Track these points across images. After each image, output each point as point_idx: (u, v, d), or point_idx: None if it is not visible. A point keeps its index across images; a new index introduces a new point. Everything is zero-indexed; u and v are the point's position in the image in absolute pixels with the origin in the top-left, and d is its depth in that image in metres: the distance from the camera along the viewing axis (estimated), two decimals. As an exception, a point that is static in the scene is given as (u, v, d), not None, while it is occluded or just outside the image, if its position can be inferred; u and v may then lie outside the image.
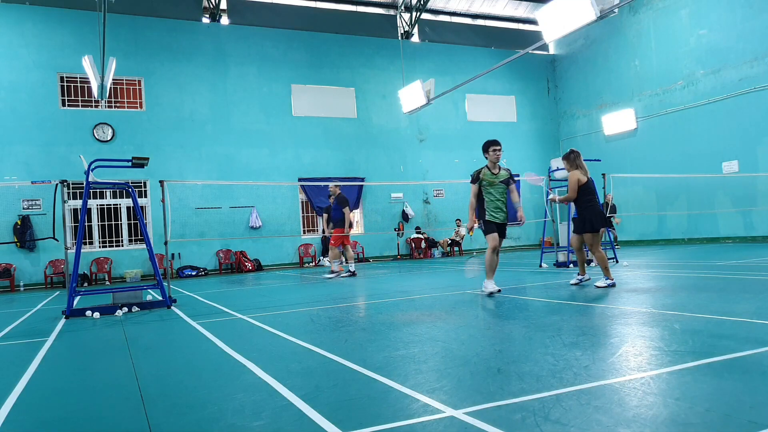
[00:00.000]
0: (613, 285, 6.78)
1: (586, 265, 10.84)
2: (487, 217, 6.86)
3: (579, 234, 7.15)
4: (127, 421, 2.71)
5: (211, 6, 17.73)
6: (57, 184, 7.98)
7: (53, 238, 8.42)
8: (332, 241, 11.91)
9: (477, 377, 3.05)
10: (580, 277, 7.40)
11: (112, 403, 3.06)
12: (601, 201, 12.29)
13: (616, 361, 3.20)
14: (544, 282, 8.09)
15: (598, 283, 6.90)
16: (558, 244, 12.21)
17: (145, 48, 16.78)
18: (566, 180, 11.10)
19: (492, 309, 5.70)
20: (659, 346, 3.50)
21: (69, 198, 14.54)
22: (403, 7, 20.47)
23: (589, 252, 11.46)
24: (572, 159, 7.11)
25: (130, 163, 7.30)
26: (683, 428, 2.12)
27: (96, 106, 16.16)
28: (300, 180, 18.15)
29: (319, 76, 19.00)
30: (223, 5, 18.10)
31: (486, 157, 6.96)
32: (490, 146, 6.91)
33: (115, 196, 16.42)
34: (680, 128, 17.54)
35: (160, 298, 7.64)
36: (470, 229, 7.34)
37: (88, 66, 11.09)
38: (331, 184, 12.41)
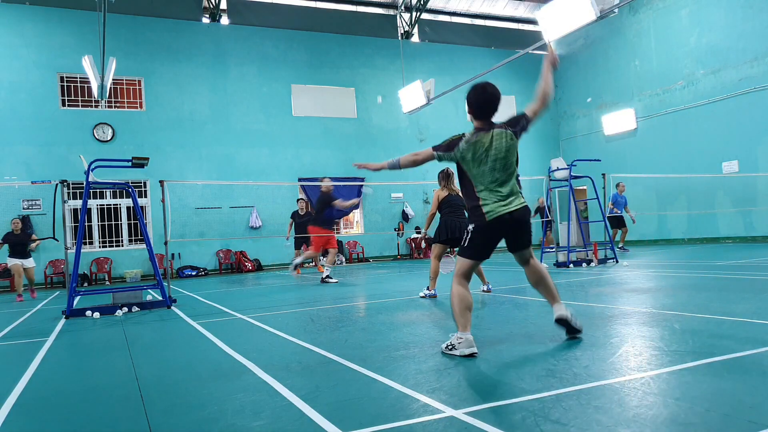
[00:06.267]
0: (433, 296, 6.90)
1: (586, 264, 10.93)
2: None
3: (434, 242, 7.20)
4: (127, 421, 2.71)
5: (211, 6, 17.72)
6: (57, 184, 7.98)
7: (53, 238, 8.44)
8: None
9: (477, 377, 3.05)
10: (427, 291, 7.11)
11: (112, 403, 3.06)
12: (603, 205, 12.30)
13: (616, 361, 3.20)
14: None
15: (421, 293, 7.09)
16: (558, 244, 12.22)
17: (145, 48, 16.77)
18: (565, 180, 11.18)
19: (492, 309, 5.70)
20: (659, 346, 3.50)
21: (69, 198, 14.53)
22: (403, 7, 20.46)
23: (590, 252, 11.55)
24: (442, 177, 7.13)
25: (130, 163, 7.30)
26: (683, 428, 2.12)
27: (96, 106, 16.15)
28: (300, 180, 18.14)
29: (319, 76, 18.99)
30: (223, 5, 18.09)
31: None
32: None
33: (115, 196, 16.41)
34: (680, 128, 17.53)
35: (160, 298, 7.64)
36: None
37: (88, 66, 11.10)
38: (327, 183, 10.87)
